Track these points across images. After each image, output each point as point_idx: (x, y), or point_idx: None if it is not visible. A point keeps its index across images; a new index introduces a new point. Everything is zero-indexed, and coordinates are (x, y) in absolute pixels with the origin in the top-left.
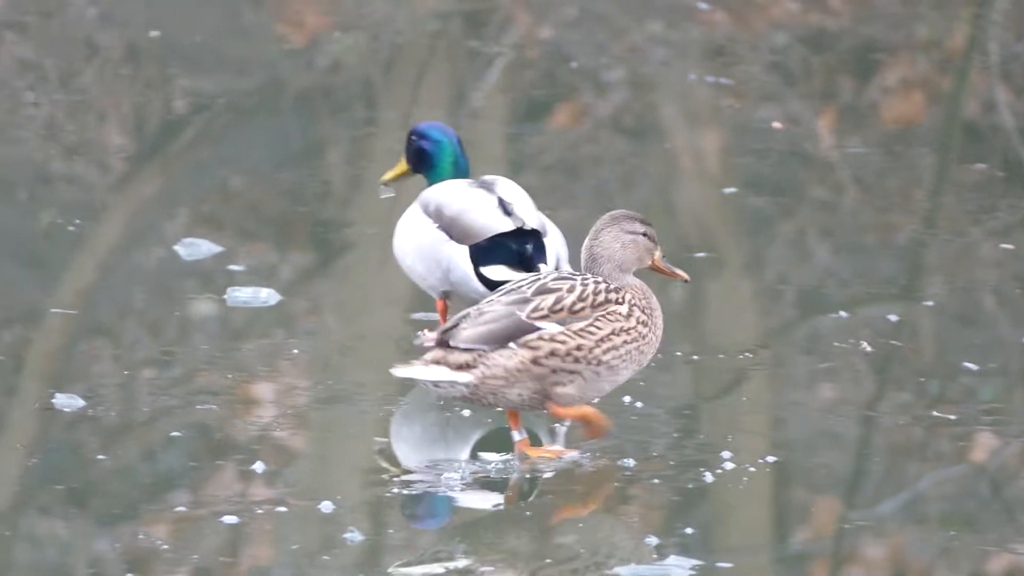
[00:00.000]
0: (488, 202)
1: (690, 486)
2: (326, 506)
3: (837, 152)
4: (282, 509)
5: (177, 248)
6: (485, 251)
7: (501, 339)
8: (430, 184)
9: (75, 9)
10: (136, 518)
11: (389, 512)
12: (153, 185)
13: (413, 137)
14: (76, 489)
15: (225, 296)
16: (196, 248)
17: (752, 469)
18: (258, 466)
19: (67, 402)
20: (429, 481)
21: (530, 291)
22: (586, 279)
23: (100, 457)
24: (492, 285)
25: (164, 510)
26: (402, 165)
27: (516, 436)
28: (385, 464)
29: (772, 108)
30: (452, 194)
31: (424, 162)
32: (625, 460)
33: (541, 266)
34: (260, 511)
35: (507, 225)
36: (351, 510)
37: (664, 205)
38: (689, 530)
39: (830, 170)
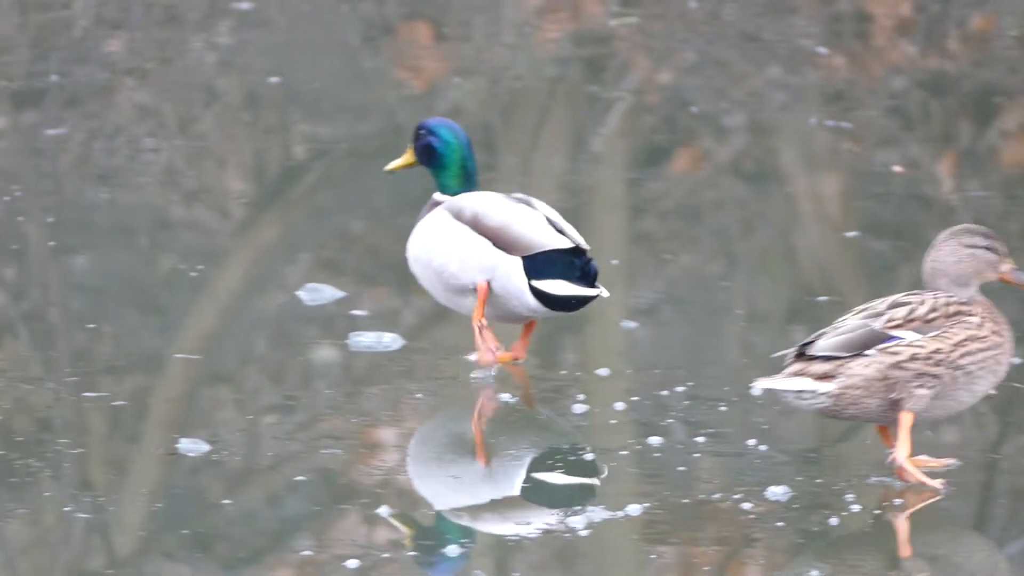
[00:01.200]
0: (535, 217)
1: (815, 529)
2: (451, 550)
3: (957, 196)
4: (407, 553)
5: (299, 293)
6: (540, 267)
7: (857, 347)
8: (437, 180)
9: (195, 55)
10: (260, 563)
11: (515, 556)
12: (273, 230)
13: (422, 132)
14: (200, 534)
15: (347, 341)
16: (318, 293)
17: (877, 511)
18: (382, 510)
19: (191, 447)
20: (555, 525)
21: (883, 306)
22: (937, 294)
23: (224, 502)
24: (551, 301)
25: (288, 555)
26: (409, 156)
27: (892, 452)
28: (509, 507)
29: (892, 152)
30: (492, 205)
31: (433, 159)
32: (747, 503)
33: (600, 286)
34: (384, 555)
35: (563, 242)
36: (477, 554)
37: (784, 249)
38: (815, 573)
39: (950, 214)
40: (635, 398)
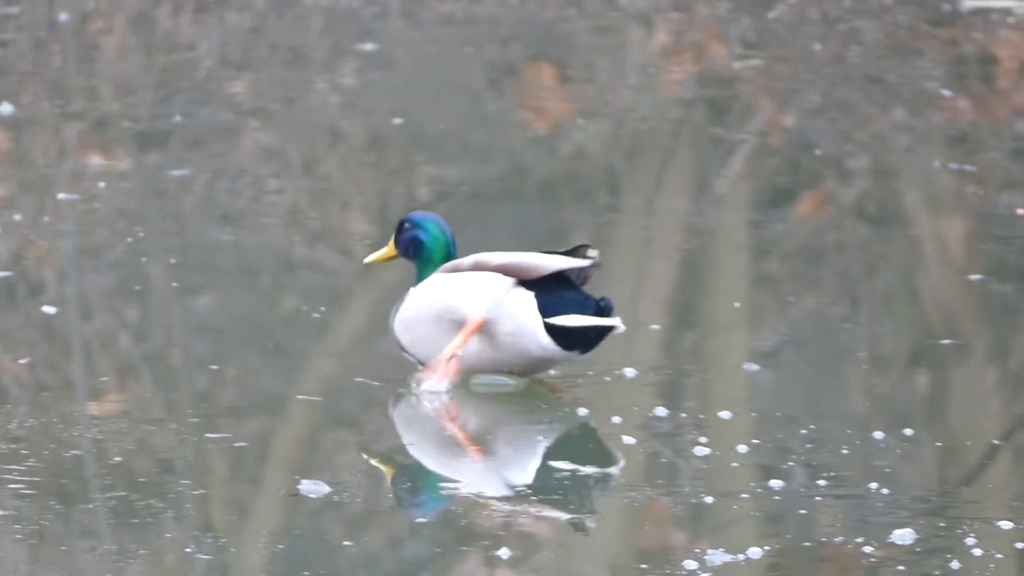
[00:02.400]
0: (537, 253)
1: (936, 573)
2: None
3: None
4: None
5: None
6: (554, 303)
7: None
8: (420, 274)
9: (319, 96)
10: None
11: None
12: (396, 272)
13: (407, 225)
14: (321, 575)
15: (470, 381)
16: None
17: (999, 556)
18: (503, 552)
19: (313, 489)
20: (675, 569)
21: None
22: None
23: (346, 543)
24: (566, 338)
25: None
26: (390, 249)
27: None
28: (629, 551)
29: (1015, 195)
30: (488, 254)
31: (417, 252)
32: (869, 546)
33: (616, 318)
34: None
35: (574, 262)
36: None
37: (908, 292)
38: None
39: None
40: (756, 441)
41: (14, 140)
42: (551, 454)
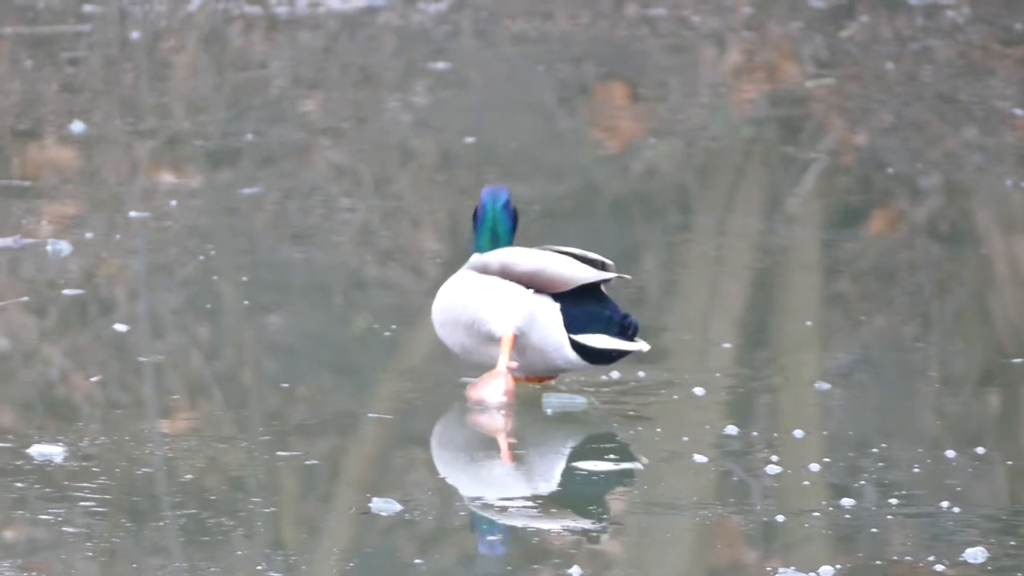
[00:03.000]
0: (564, 257)
1: None
2: None
3: None
4: None
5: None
6: (580, 320)
7: None
8: (475, 236)
9: (390, 115)
10: None
11: None
12: None
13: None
14: None
15: (542, 400)
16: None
17: None
18: (574, 571)
19: (384, 507)
20: None
21: None
22: None
23: (416, 561)
24: (591, 354)
25: None
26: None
27: None
28: (701, 569)
29: None
30: (517, 254)
31: (474, 221)
32: (940, 565)
33: (640, 340)
34: None
35: (598, 275)
36: None
37: (980, 311)
38: None
39: None
40: (828, 459)
41: (86, 158)
42: (622, 473)
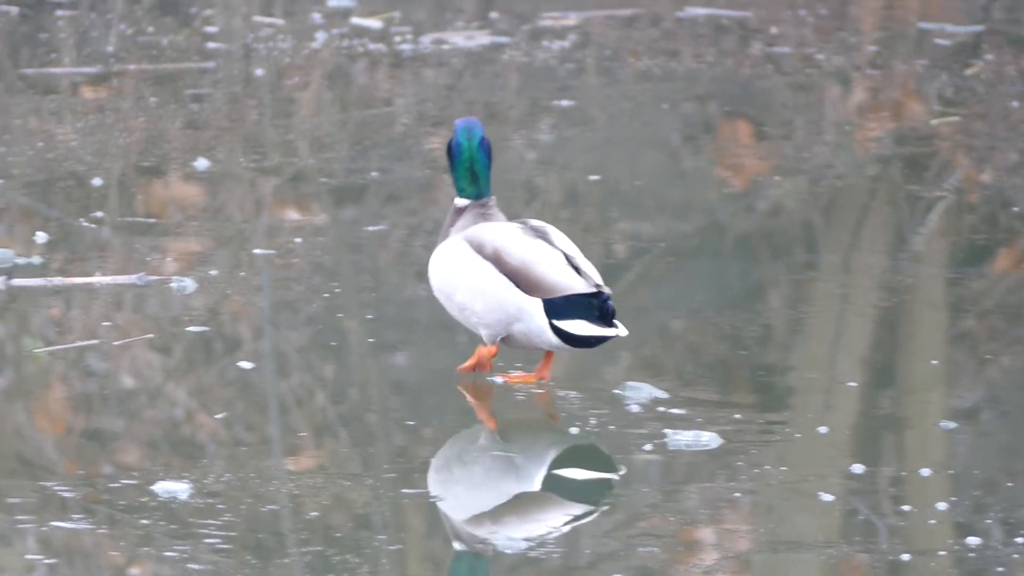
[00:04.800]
0: (554, 256)
1: None
2: None
3: None
4: None
5: (618, 392)
6: (561, 307)
7: None
8: (453, 181)
9: (515, 152)
10: None
11: None
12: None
13: (454, 129)
14: None
15: (666, 439)
16: (638, 392)
17: None
18: None
19: (509, 544)
20: None
21: None
22: None
23: None
24: (572, 340)
25: None
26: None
27: None
28: None
29: None
30: (511, 241)
31: (449, 157)
32: None
33: (618, 323)
34: None
35: (584, 286)
36: None
37: None
38: None
39: None
40: (954, 498)
41: (210, 195)
42: (749, 512)
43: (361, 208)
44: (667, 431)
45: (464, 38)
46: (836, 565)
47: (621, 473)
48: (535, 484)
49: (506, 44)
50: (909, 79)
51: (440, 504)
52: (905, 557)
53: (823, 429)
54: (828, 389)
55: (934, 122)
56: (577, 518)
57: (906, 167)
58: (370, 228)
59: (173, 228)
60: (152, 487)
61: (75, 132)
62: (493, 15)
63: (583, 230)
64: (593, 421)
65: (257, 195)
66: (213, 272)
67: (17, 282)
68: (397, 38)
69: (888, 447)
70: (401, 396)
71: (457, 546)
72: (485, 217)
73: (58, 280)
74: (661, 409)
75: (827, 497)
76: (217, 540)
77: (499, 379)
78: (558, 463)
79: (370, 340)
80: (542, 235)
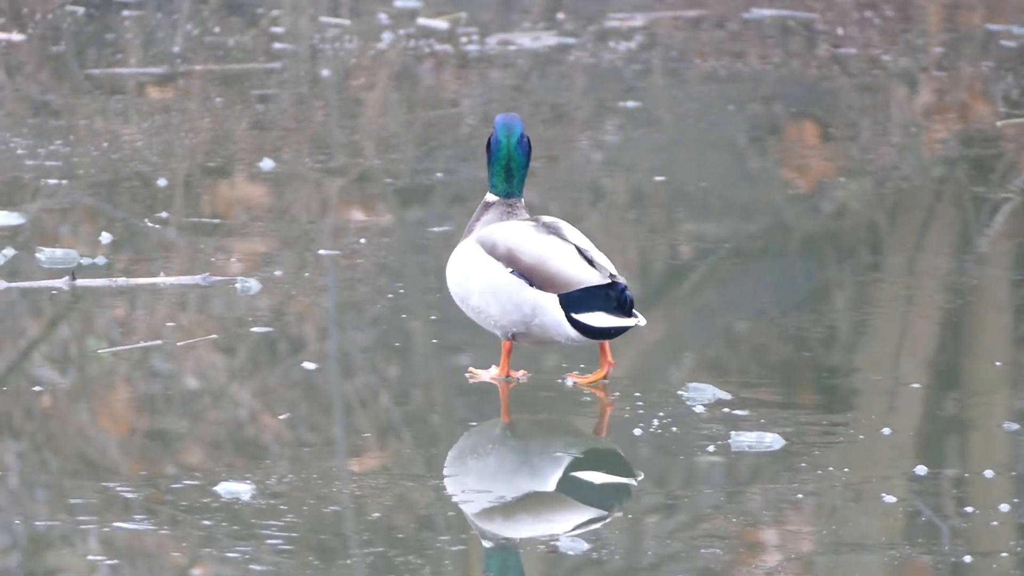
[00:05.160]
0: (567, 251)
1: None
2: None
3: None
4: None
5: (682, 393)
6: (578, 299)
7: None
8: (488, 173)
9: (581, 153)
10: None
11: None
12: (658, 329)
13: (494, 126)
14: None
15: (729, 440)
16: (701, 393)
17: None
18: None
19: (572, 545)
20: None
21: None
22: None
23: None
24: (591, 332)
25: None
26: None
27: None
28: None
29: None
30: (524, 239)
31: (488, 154)
32: None
33: (637, 313)
34: None
35: (598, 278)
36: None
37: None
38: None
39: None
40: (1017, 500)
41: (276, 196)
42: (812, 513)
43: (427, 209)
44: (731, 432)
45: (531, 39)
46: (899, 567)
47: (686, 476)
48: (596, 487)
49: (572, 45)
50: (975, 81)
51: (502, 504)
52: (968, 559)
53: (887, 431)
54: (892, 391)
55: (1000, 124)
56: (639, 519)
57: (972, 169)
58: (435, 229)
59: (238, 229)
60: (215, 488)
61: (141, 132)
62: (560, 16)
63: (649, 231)
64: (656, 422)
65: (323, 196)
66: (278, 273)
67: (82, 282)
68: (463, 39)
69: (951, 449)
70: (464, 397)
71: (513, 547)
72: (509, 216)
73: (122, 280)
74: (725, 410)
75: (890, 499)
76: (279, 541)
77: (569, 381)
78: (624, 470)
79: (434, 341)
80: (554, 231)
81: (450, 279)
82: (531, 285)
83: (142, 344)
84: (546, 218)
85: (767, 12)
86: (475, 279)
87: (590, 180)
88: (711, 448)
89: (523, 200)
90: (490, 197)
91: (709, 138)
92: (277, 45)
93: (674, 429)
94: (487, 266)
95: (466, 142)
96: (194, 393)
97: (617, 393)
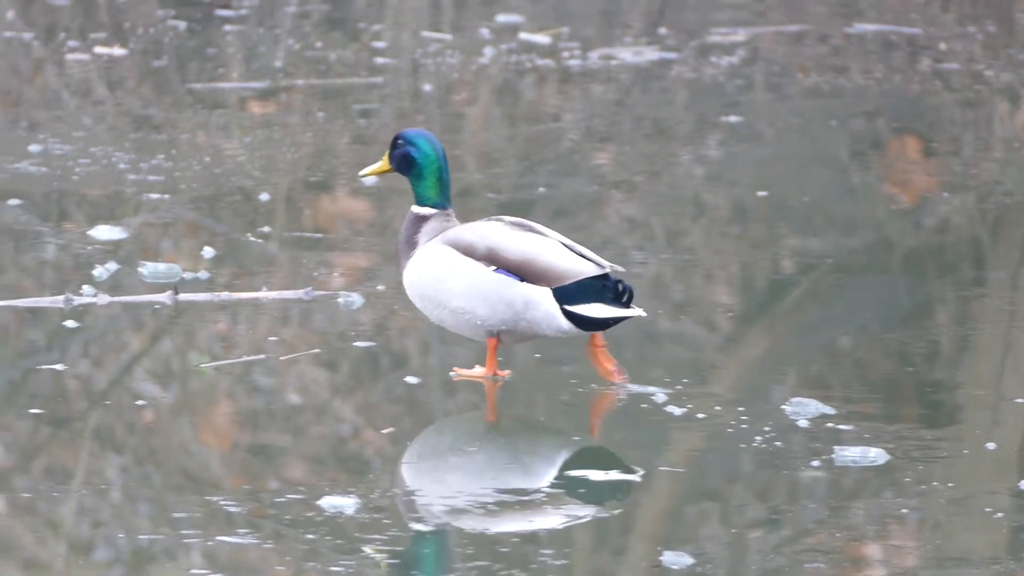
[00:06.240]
0: (553, 245)
1: None
2: None
3: None
4: None
5: (785, 408)
6: (573, 292)
7: None
8: (415, 191)
9: (682, 168)
10: None
11: None
12: (760, 345)
13: (400, 141)
14: None
15: (832, 455)
16: (804, 408)
17: None
18: None
19: (675, 559)
20: None
21: None
22: None
23: None
24: (587, 323)
25: None
26: (384, 164)
27: None
28: None
29: None
30: (503, 237)
31: (411, 168)
32: None
33: (634, 305)
34: None
35: (594, 268)
36: None
37: None
38: None
39: None
40: None
41: (378, 210)
42: (916, 528)
43: None
44: (834, 447)
45: (632, 53)
46: None
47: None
48: (707, 502)
49: (674, 60)
50: None
51: (601, 519)
52: None
53: (991, 445)
54: (995, 405)
55: None
56: (744, 534)
57: None
58: None
59: (340, 243)
60: (318, 502)
61: (242, 147)
62: (662, 31)
63: (751, 246)
64: (759, 438)
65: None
66: (380, 287)
67: (184, 297)
68: (565, 53)
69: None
70: (569, 412)
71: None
72: (450, 225)
73: (225, 295)
74: (828, 425)
75: (995, 513)
76: (383, 555)
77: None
78: (728, 484)
79: (536, 356)
80: (528, 228)
81: (417, 285)
82: (522, 281)
83: (244, 359)
84: (508, 218)
85: (870, 27)
86: (455, 281)
87: (692, 195)
88: (815, 463)
89: (453, 210)
90: (423, 210)
91: (811, 153)
92: (379, 60)
93: (778, 444)
94: (468, 267)
95: (568, 157)
96: (297, 408)
97: (719, 407)
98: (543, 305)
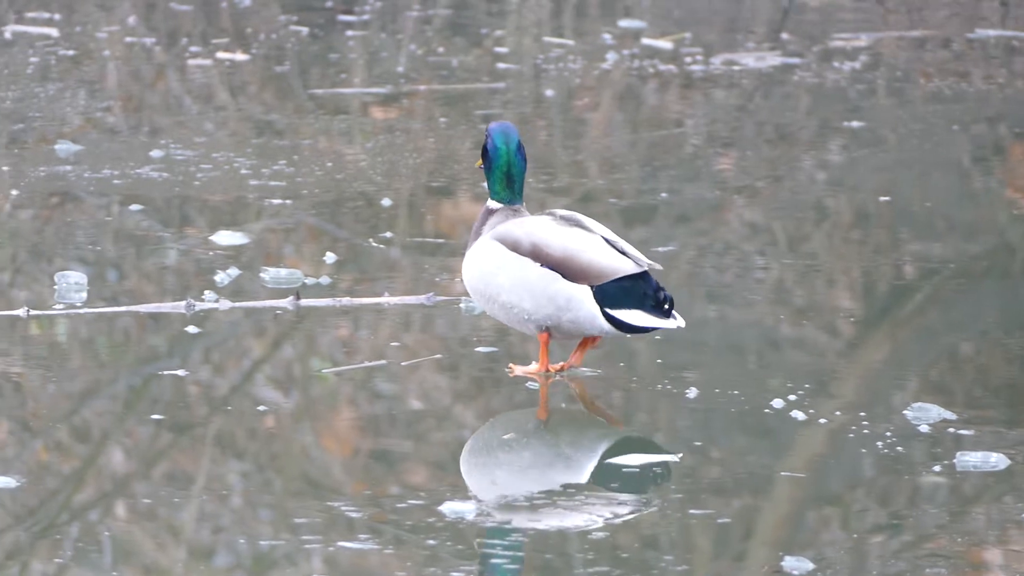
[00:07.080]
0: (595, 242)
1: None
2: None
3: None
4: None
5: (906, 413)
6: (614, 295)
7: None
8: (487, 183)
9: (805, 173)
10: None
11: None
12: (882, 350)
13: (487, 134)
14: None
15: (954, 461)
16: (926, 413)
17: None
18: None
19: (796, 565)
20: None
21: None
22: None
23: None
24: (626, 328)
25: None
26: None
27: None
28: None
29: None
30: (547, 233)
31: (485, 161)
32: None
33: (676, 314)
34: None
35: (632, 266)
36: None
37: None
38: None
39: None
40: None
41: None
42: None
43: (651, 229)
44: (956, 452)
45: (755, 59)
46: None
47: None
48: (828, 508)
49: (797, 65)
50: None
51: (722, 524)
52: None
53: None
54: None
55: None
56: (864, 538)
57: None
58: (660, 248)
59: (462, 248)
60: (439, 507)
61: (364, 152)
62: (784, 36)
63: (873, 251)
64: (881, 443)
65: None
66: None
67: (306, 302)
68: (687, 59)
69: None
70: (689, 417)
71: (744, 568)
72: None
73: (346, 300)
74: (950, 430)
75: None
76: (504, 561)
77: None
78: (851, 489)
79: (658, 361)
80: (575, 223)
81: (471, 278)
82: (564, 278)
83: (366, 364)
84: (561, 211)
85: (992, 32)
86: (504, 275)
87: (814, 200)
88: (936, 468)
89: (524, 206)
90: (493, 204)
91: (933, 158)
92: (501, 65)
93: (899, 449)
94: (515, 262)
95: (690, 162)
96: (418, 413)
97: (840, 412)
98: (585, 305)
